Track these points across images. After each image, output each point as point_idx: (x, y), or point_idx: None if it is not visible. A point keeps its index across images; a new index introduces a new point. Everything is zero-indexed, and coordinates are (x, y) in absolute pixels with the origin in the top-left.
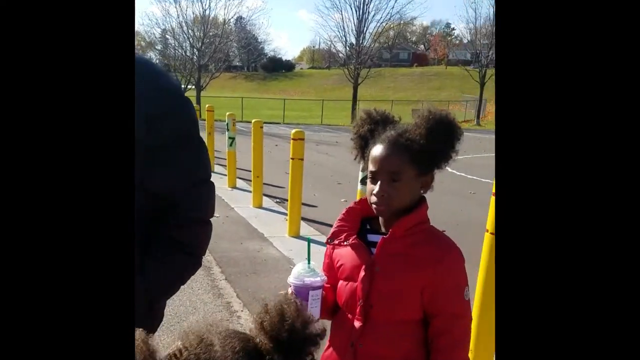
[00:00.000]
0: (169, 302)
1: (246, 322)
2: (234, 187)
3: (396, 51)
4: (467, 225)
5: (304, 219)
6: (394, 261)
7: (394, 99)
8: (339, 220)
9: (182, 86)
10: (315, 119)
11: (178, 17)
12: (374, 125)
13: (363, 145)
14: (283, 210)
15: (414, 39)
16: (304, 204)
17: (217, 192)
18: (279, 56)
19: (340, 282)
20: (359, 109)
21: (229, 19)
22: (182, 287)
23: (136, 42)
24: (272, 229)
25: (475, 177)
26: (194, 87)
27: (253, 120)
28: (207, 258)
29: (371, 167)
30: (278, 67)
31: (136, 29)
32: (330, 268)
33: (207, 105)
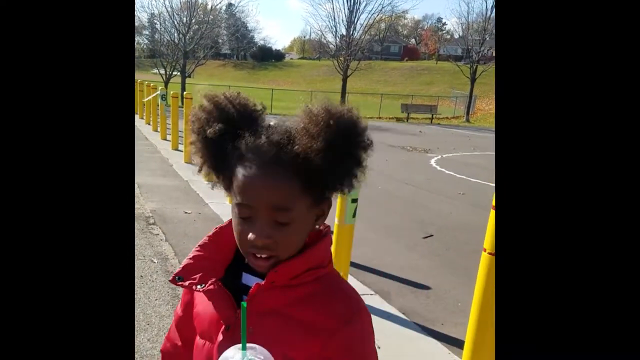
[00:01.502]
0: None
1: None
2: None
3: (387, 44)
4: (456, 228)
5: None
6: (272, 323)
7: (383, 92)
8: (197, 248)
9: (167, 72)
10: None
11: (164, 2)
12: (227, 125)
13: (215, 154)
14: None
15: (405, 32)
16: None
17: (192, 186)
18: (269, 45)
19: (196, 340)
20: (347, 101)
21: (217, 5)
22: (135, 297)
23: None
24: None
25: (464, 177)
26: (179, 73)
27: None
28: (172, 262)
29: (239, 198)
30: (268, 57)
31: None
32: (190, 320)
33: (185, 93)
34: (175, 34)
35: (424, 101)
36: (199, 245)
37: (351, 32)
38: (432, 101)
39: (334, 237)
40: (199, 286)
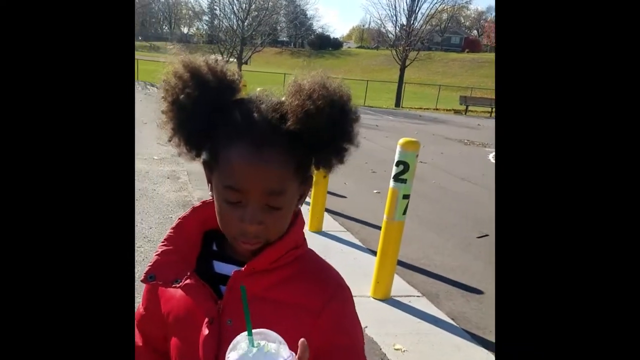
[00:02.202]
0: None
1: None
2: None
3: (448, 35)
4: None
5: (328, 210)
6: (255, 309)
7: (441, 84)
8: (164, 242)
9: (224, 59)
10: (358, 99)
11: None
12: (204, 94)
13: (189, 124)
14: (307, 199)
15: (467, 23)
16: (330, 192)
17: None
18: (327, 34)
19: (173, 339)
20: (404, 91)
21: None
22: None
23: (184, 12)
24: None
25: None
26: (235, 60)
27: (258, 88)
28: None
29: (230, 181)
30: (325, 45)
31: None
32: (154, 317)
33: (242, 80)
34: (234, 20)
35: (484, 94)
36: (164, 240)
37: (412, 22)
38: (493, 94)
39: (381, 234)
40: (174, 283)
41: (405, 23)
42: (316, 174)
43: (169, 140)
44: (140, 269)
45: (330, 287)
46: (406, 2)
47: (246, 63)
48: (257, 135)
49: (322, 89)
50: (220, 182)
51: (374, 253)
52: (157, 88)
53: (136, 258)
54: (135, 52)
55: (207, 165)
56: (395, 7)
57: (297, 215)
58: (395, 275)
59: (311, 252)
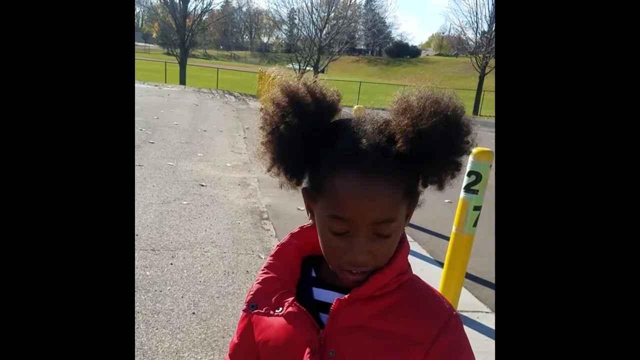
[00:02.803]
0: (221, 309)
1: None
2: None
3: None
4: None
5: None
6: (358, 340)
7: None
8: (264, 270)
9: (300, 67)
10: None
11: None
12: (305, 120)
13: (289, 153)
14: None
15: None
16: None
17: None
18: (405, 41)
19: None
20: (482, 99)
21: (356, 0)
22: (239, 291)
23: (265, 21)
24: None
25: None
26: (311, 68)
27: (355, 106)
28: None
29: (337, 212)
30: (403, 52)
31: (264, 7)
32: (249, 347)
33: None
34: (313, 29)
35: None
36: (264, 267)
37: (493, 29)
38: None
39: (449, 246)
40: (276, 310)
41: (486, 30)
42: None
43: (268, 171)
44: (205, 273)
45: (442, 317)
46: (488, 9)
47: (322, 71)
48: (364, 163)
49: (434, 104)
50: (326, 212)
51: (442, 265)
52: (234, 97)
53: (202, 262)
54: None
55: (308, 193)
56: (476, 13)
57: (403, 239)
58: (463, 289)
59: (417, 278)
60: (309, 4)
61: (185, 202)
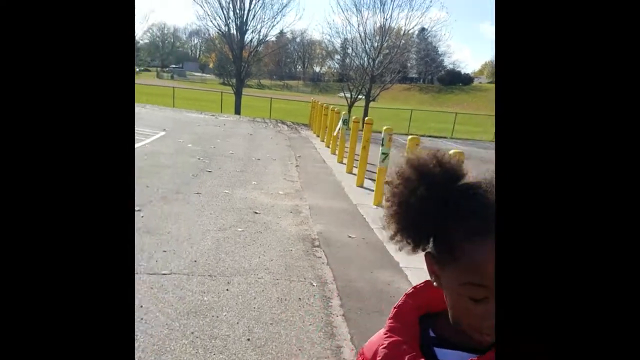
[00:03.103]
0: (275, 336)
1: None
2: (380, 205)
3: None
4: None
5: None
6: None
7: None
8: (387, 334)
9: (352, 96)
10: (488, 134)
11: (358, 27)
12: (431, 190)
13: (414, 222)
14: None
15: None
16: None
17: (360, 210)
18: (458, 69)
19: None
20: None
21: (409, 30)
22: (292, 319)
23: (317, 52)
24: (410, 259)
25: None
26: (363, 97)
27: (409, 137)
28: (330, 287)
29: (477, 279)
30: (455, 80)
31: (317, 38)
32: None
33: (366, 118)
34: (365, 59)
35: None
36: (387, 332)
37: None
38: None
39: None
40: None
41: None
42: None
43: (392, 239)
44: (259, 299)
45: None
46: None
47: (374, 100)
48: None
49: None
50: (461, 279)
51: None
52: (287, 126)
53: (256, 289)
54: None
55: (434, 258)
56: None
57: None
58: None
59: None
60: (363, 34)
61: (239, 229)
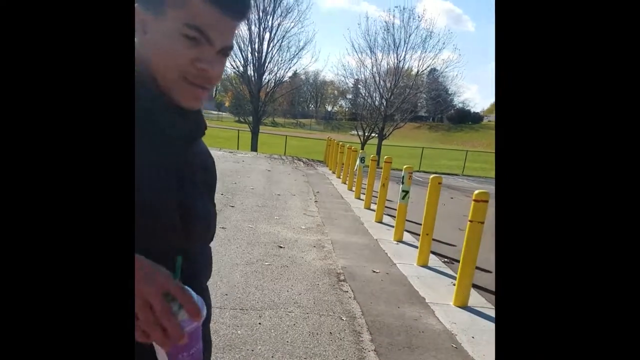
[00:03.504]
0: None
1: None
2: (400, 240)
3: None
4: None
5: (474, 286)
6: None
7: None
8: None
9: (365, 134)
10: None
11: (372, 68)
12: None
13: None
14: (450, 272)
15: None
16: (476, 267)
17: (381, 245)
18: (467, 108)
19: None
20: None
21: (422, 71)
22: (325, 353)
23: (330, 91)
24: (436, 295)
25: None
26: (376, 135)
27: (432, 176)
28: (359, 321)
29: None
30: (465, 119)
31: (330, 78)
32: None
33: (385, 157)
34: (378, 98)
35: None
36: None
37: None
38: None
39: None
40: None
41: None
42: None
43: None
44: (291, 333)
45: None
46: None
47: (386, 138)
48: None
49: None
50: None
51: None
52: (303, 162)
53: (287, 323)
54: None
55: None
56: None
57: None
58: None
59: None
60: (376, 75)
61: (266, 263)
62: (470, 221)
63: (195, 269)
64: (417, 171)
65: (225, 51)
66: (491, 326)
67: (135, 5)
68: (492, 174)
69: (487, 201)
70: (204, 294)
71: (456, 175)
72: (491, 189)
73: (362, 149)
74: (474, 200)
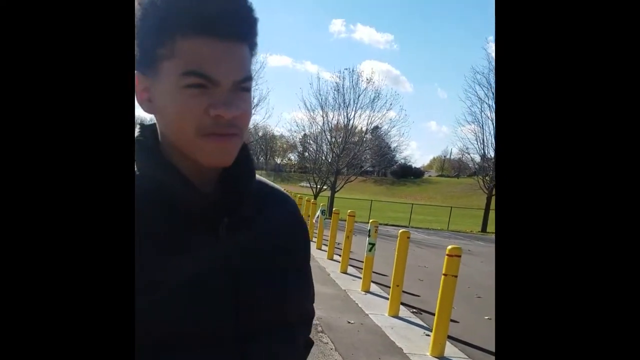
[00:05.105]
0: None
1: None
2: (367, 291)
3: None
4: None
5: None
6: None
7: None
8: None
9: (318, 187)
10: (442, 224)
11: (323, 125)
12: None
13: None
14: (420, 322)
15: None
16: None
17: (351, 295)
18: (410, 163)
19: None
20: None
21: (370, 129)
22: None
23: (279, 144)
24: (412, 345)
25: None
26: (327, 188)
27: (400, 231)
28: None
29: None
30: (407, 174)
31: (281, 133)
32: None
33: (349, 211)
34: (326, 153)
35: None
36: None
37: None
38: None
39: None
40: None
41: (492, 156)
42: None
43: None
44: None
45: None
46: (494, 137)
47: (338, 191)
48: None
49: None
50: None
51: None
52: None
53: None
54: None
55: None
56: (483, 141)
57: None
58: None
59: None
60: (327, 131)
61: None
62: (445, 275)
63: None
64: (366, 222)
65: (241, 84)
66: None
67: (136, 72)
68: (437, 225)
69: (459, 256)
70: None
71: (404, 226)
72: (444, 241)
73: (315, 199)
74: (448, 255)
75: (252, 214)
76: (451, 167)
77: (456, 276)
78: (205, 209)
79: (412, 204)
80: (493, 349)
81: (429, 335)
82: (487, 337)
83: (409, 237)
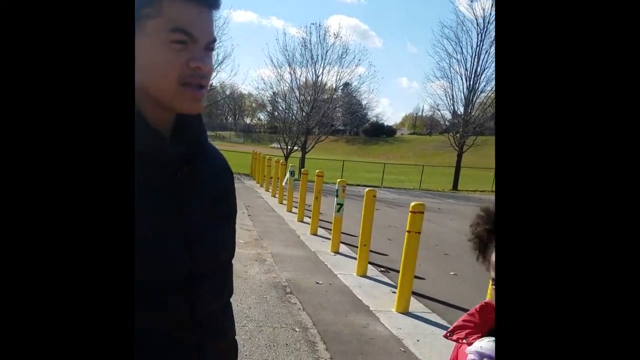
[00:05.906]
0: None
1: None
2: (337, 252)
3: None
4: None
5: (412, 293)
6: None
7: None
8: (466, 315)
9: (288, 147)
10: (414, 183)
11: (291, 82)
12: (491, 226)
13: (482, 247)
14: (388, 280)
15: None
16: None
17: (320, 257)
18: (381, 122)
19: None
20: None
21: (339, 86)
22: None
23: (248, 104)
24: (378, 302)
25: None
26: (299, 148)
27: (366, 190)
28: (312, 332)
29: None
30: (379, 132)
31: (249, 91)
32: None
33: (317, 171)
34: (297, 111)
35: None
36: (467, 314)
37: (469, 111)
38: None
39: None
40: (464, 339)
41: (462, 112)
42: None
43: (477, 259)
44: (248, 347)
45: None
46: (463, 93)
47: (309, 151)
48: None
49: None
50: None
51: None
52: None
53: (243, 336)
54: None
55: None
56: (452, 97)
57: None
58: None
59: None
60: (296, 89)
61: None
62: (408, 232)
63: (213, 288)
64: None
65: (210, 45)
66: (433, 329)
67: None
68: (409, 185)
69: (422, 212)
70: (227, 309)
71: (377, 187)
72: (415, 200)
73: (286, 160)
74: (411, 212)
75: (201, 165)
76: (423, 125)
77: (419, 232)
78: (170, 158)
79: (385, 163)
80: (457, 304)
81: (395, 293)
82: (451, 292)
83: (374, 196)
